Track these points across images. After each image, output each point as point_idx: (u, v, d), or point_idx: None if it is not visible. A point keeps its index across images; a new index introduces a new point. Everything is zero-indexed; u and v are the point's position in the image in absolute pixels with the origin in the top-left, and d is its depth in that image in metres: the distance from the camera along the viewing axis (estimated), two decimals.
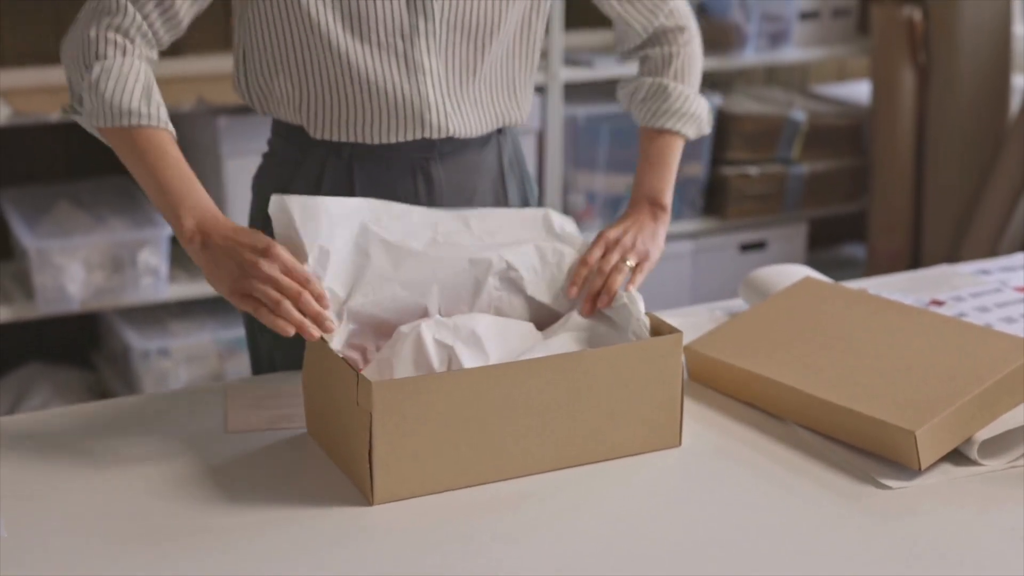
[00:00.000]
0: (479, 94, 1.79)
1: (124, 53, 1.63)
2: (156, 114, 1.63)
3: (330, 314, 1.53)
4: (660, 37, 1.89)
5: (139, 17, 1.64)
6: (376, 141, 1.76)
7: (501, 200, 1.89)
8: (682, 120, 1.86)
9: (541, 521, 1.45)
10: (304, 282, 1.52)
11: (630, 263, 1.72)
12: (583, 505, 1.49)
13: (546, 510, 1.47)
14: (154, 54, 1.68)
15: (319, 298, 1.53)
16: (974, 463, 1.56)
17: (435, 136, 1.76)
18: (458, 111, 1.77)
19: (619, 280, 1.69)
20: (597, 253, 1.72)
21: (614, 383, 1.56)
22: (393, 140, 1.76)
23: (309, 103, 1.75)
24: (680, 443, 1.62)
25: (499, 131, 1.87)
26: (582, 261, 1.71)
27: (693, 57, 1.90)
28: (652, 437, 1.60)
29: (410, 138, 1.76)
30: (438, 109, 1.75)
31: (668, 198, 1.84)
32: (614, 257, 1.72)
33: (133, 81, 1.62)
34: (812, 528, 1.45)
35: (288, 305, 1.50)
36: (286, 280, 1.51)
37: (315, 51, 1.71)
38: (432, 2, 1.71)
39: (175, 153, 1.63)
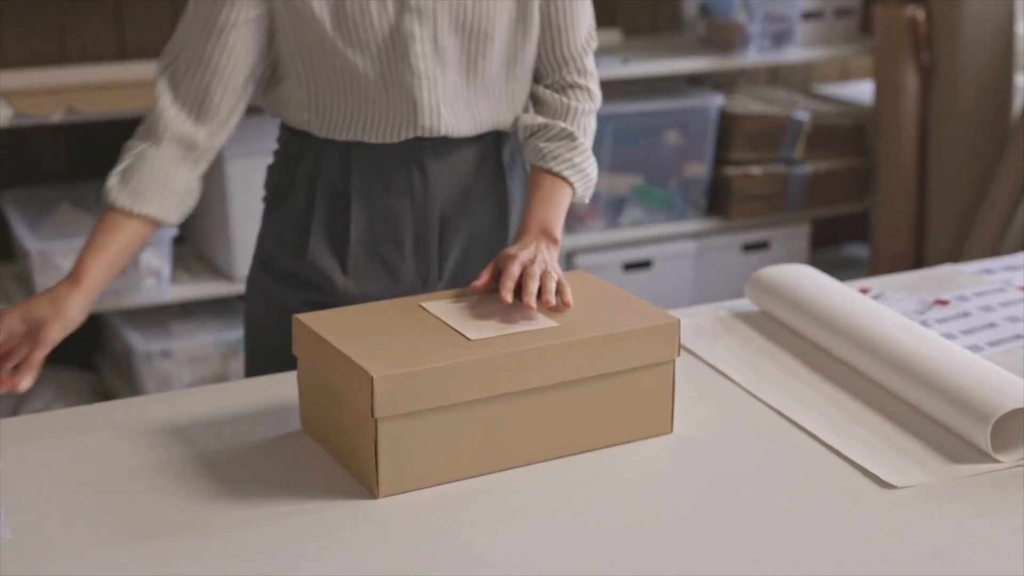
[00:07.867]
0: (475, 98, 1.83)
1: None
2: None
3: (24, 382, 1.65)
4: (570, 90, 1.88)
5: (170, 111, 1.78)
6: (374, 140, 1.82)
7: (503, 196, 1.92)
8: (579, 176, 1.84)
9: (532, 510, 1.46)
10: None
11: (555, 277, 1.65)
12: (574, 493, 1.50)
13: (537, 499, 1.48)
14: (191, 128, 1.79)
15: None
16: (978, 461, 1.56)
17: (428, 135, 1.82)
18: (452, 112, 1.82)
19: (551, 285, 1.62)
20: (516, 269, 1.65)
21: (608, 369, 1.56)
22: (389, 140, 1.82)
23: (314, 105, 1.82)
24: (672, 430, 1.63)
25: (498, 131, 1.89)
26: (507, 271, 1.64)
27: (593, 123, 1.90)
28: (644, 424, 1.61)
29: (404, 137, 1.82)
30: (431, 111, 1.80)
31: (560, 232, 1.80)
32: (536, 269, 1.65)
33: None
34: (804, 513, 1.45)
35: None
36: None
37: (317, 58, 1.78)
38: (425, 7, 1.75)
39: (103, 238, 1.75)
